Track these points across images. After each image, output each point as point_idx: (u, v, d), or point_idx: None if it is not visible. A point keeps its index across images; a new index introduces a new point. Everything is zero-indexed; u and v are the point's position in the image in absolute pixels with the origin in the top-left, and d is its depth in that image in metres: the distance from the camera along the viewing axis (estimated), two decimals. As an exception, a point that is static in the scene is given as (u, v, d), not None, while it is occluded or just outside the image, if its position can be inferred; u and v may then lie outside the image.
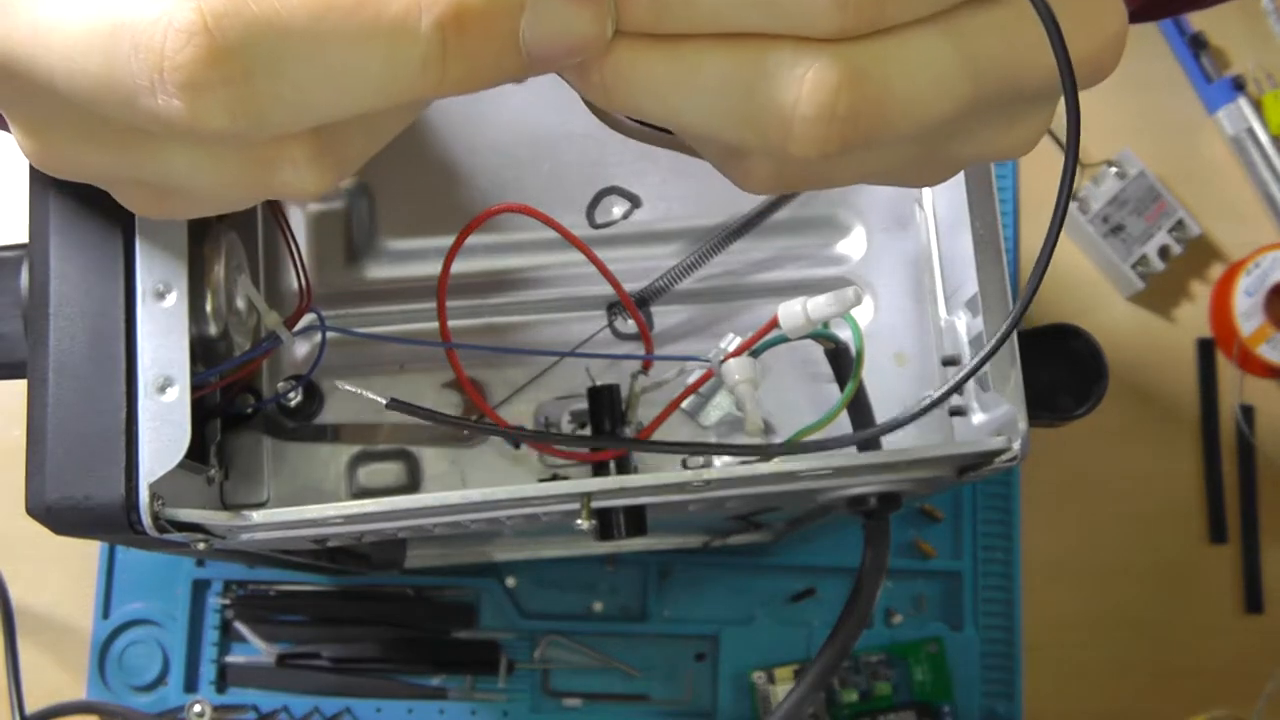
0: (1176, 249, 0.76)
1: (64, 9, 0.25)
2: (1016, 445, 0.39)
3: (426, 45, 0.24)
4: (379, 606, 0.70)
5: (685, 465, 0.41)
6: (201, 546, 0.40)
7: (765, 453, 0.38)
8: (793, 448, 0.38)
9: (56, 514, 0.37)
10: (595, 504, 0.40)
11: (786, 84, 0.25)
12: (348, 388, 0.36)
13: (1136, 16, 0.40)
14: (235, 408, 0.45)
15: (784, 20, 0.25)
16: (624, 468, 0.44)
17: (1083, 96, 0.29)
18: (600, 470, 0.43)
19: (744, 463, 0.42)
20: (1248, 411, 0.76)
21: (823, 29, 0.25)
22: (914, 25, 0.26)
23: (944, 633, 0.71)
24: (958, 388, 0.31)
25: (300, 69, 0.24)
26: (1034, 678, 0.71)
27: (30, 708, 0.62)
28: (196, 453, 0.41)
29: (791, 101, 0.26)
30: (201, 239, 0.40)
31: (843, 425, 0.44)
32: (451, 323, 0.42)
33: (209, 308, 0.40)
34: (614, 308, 0.48)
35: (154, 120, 0.25)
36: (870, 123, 0.26)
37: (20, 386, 0.38)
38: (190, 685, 0.69)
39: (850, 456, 0.42)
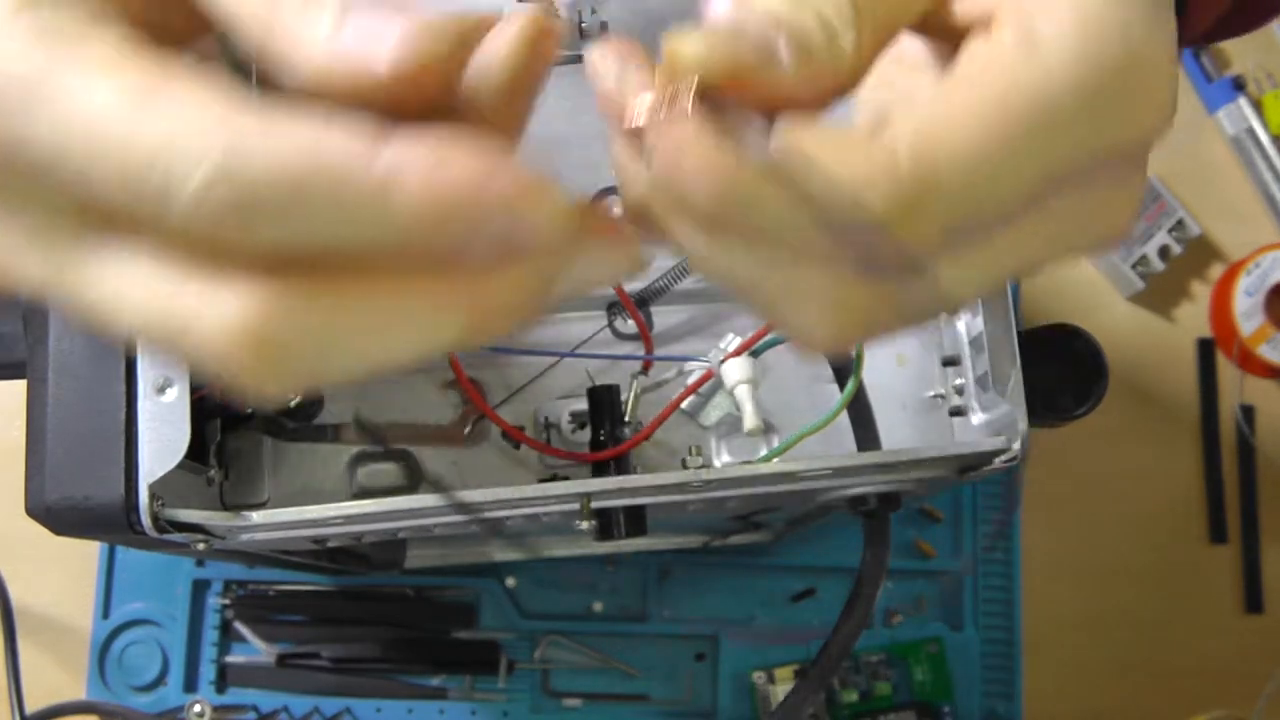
0: (1176, 249, 0.76)
1: None
2: (1016, 445, 0.39)
3: (457, 332, 0.24)
4: (379, 606, 0.70)
5: (685, 465, 0.41)
6: (201, 547, 0.40)
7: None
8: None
9: (56, 514, 0.37)
10: (595, 504, 0.40)
11: (806, 306, 0.26)
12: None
13: (1208, 38, 0.40)
14: (235, 408, 0.45)
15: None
16: (624, 468, 0.44)
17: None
18: (600, 470, 0.43)
19: (744, 462, 0.42)
20: (1248, 411, 0.76)
21: (867, 264, 0.25)
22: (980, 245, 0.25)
23: (944, 633, 0.71)
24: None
25: (340, 357, 0.24)
26: (1034, 678, 0.71)
27: (30, 708, 0.62)
28: (196, 453, 0.41)
29: (805, 320, 0.26)
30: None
31: (843, 426, 0.44)
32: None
33: (209, 308, 0.40)
34: (614, 308, 0.48)
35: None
36: (885, 333, 0.26)
37: (20, 386, 0.38)
38: (190, 685, 0.69)
39: (850, 457, 0.42)
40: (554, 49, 0.25)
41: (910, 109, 0.24)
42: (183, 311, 0.23)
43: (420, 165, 0.22)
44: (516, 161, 0.23)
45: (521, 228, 0.23)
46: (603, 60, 0.27)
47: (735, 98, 0.25)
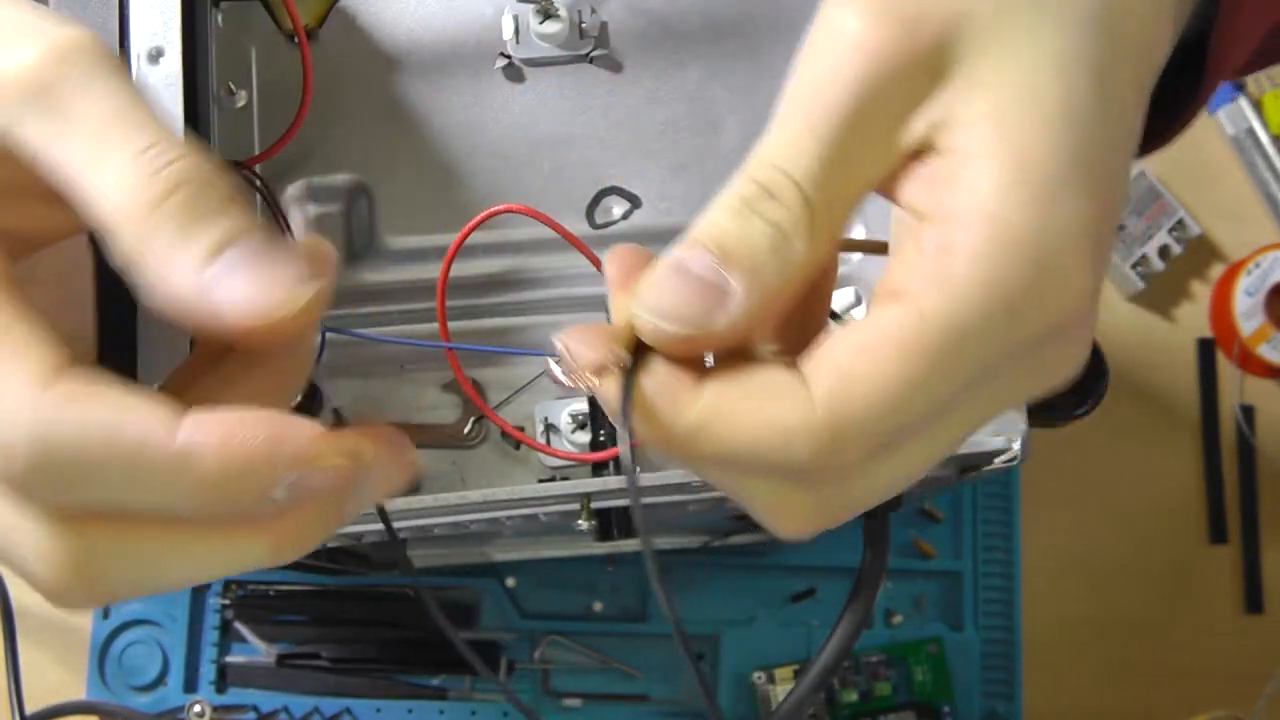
0: (1176, 249, 0.76)
1: None
2: (1016, 445, 0.39)
3: (261, 557, 0.28)
4: (379, 606, 0.70)
5: (685, 465, 0.41)
6: (201, 547, 0.40)
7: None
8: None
9: (56, 514, 0.37)
10: (595, 504, 0.40)
11: (767, 509, 0.29)
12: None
13: (1244, 70, 0.40)
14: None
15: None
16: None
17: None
18: (600, 470, 0.43)
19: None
20: (1248, 411, 0.76)
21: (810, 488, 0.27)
22: (902, 448, 0.27)
23: (944, 633, 0.71)
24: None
25: (151, 582, 0.28)
26: (1034, 678, 0.71)
27: (30, 708, 0.62)
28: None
29: (769, 523, 0.29)
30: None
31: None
32: (451, 323, 0.43)
33: (209, 308, 0.40)
34: (614, 308, 0.47)
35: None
36: (842, 520, 0.28)
37: (20, 387, 0.38)
38: (190, 685, 0.69)
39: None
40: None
41: (829, 355, 0.26)
42: (12, 539, 0.26)
43: (213, 438, 0.25)
44: (300, 422, 0.26)
45: (311, 476, 0.26)
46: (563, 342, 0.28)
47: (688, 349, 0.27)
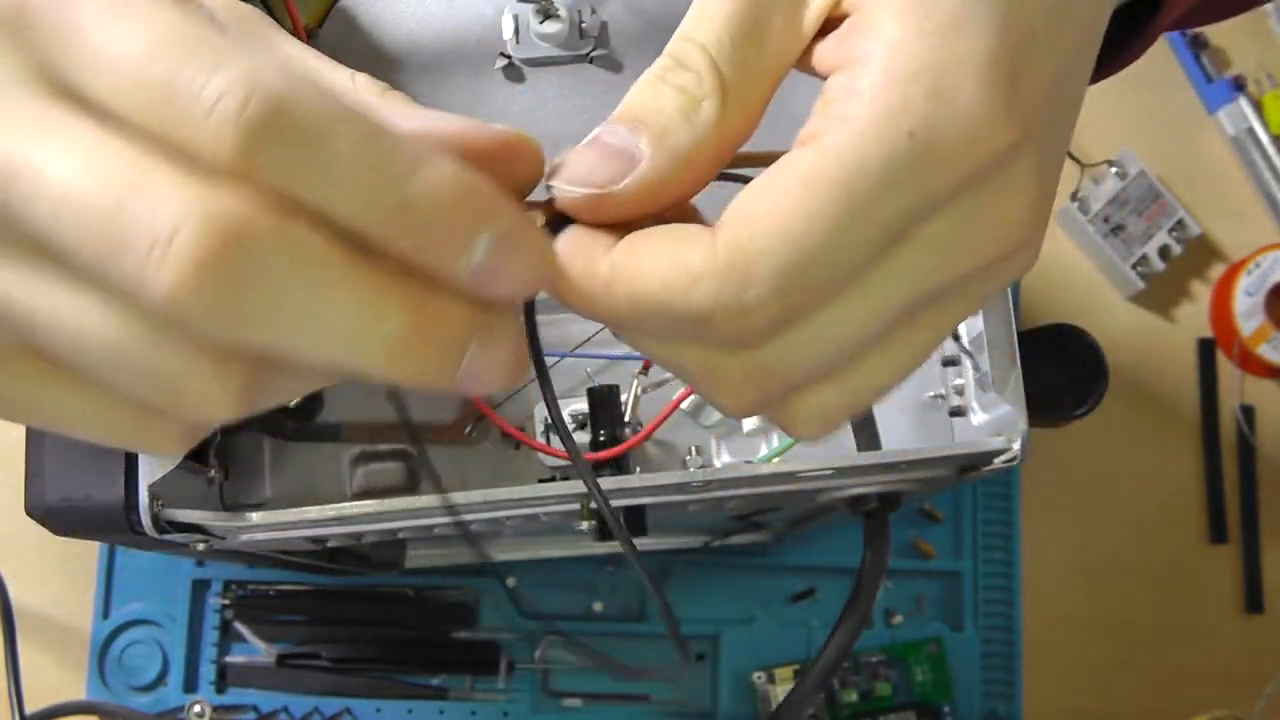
0: (1177, 249, 0.76)
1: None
2: (1016, 445, 0.39)
3: (395, 329, 0.24)
4: (379, 606, 0.70)
5: (685, 465, 0.41)
6: (201, 547, 0.40)
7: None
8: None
9: (56, 514, 0.37)
10: (595, 504, 0.40)
11: (701, 377, 0.28)
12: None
13: (1180, 24, 0.40)
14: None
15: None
16: (624, 468, 0.44)
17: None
18: (600, 470, 0.43)
19: (744, 462, 0.42)
20: (1248, 411, 0.76)
21: (732, 345, 0.26)
22: (825, 304, 0.26)
23: (944, 633, 0.71)
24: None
25: (285, 314, 0.23)
26: (1034, 678, 0.71)
27: (30, 708, 0.62)
28: (196, 453, 0.41)
29: (706, 393, 0.28)
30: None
31: (843, 425, 0.44)
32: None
33: (209, 308, 0.40)
34: (614, 308, 0.47)
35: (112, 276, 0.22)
36: (783, 390, 0.28)
37: (20, 387, 0.38)
38: (190, 685, 0.69)
39: (850, 457, 0.42)
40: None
41: (734, 203, 0.26)
42: (151, 190, 0.22)
43: (455, 135, 0.24)
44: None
45: (516, 254, 0.24)
46: None
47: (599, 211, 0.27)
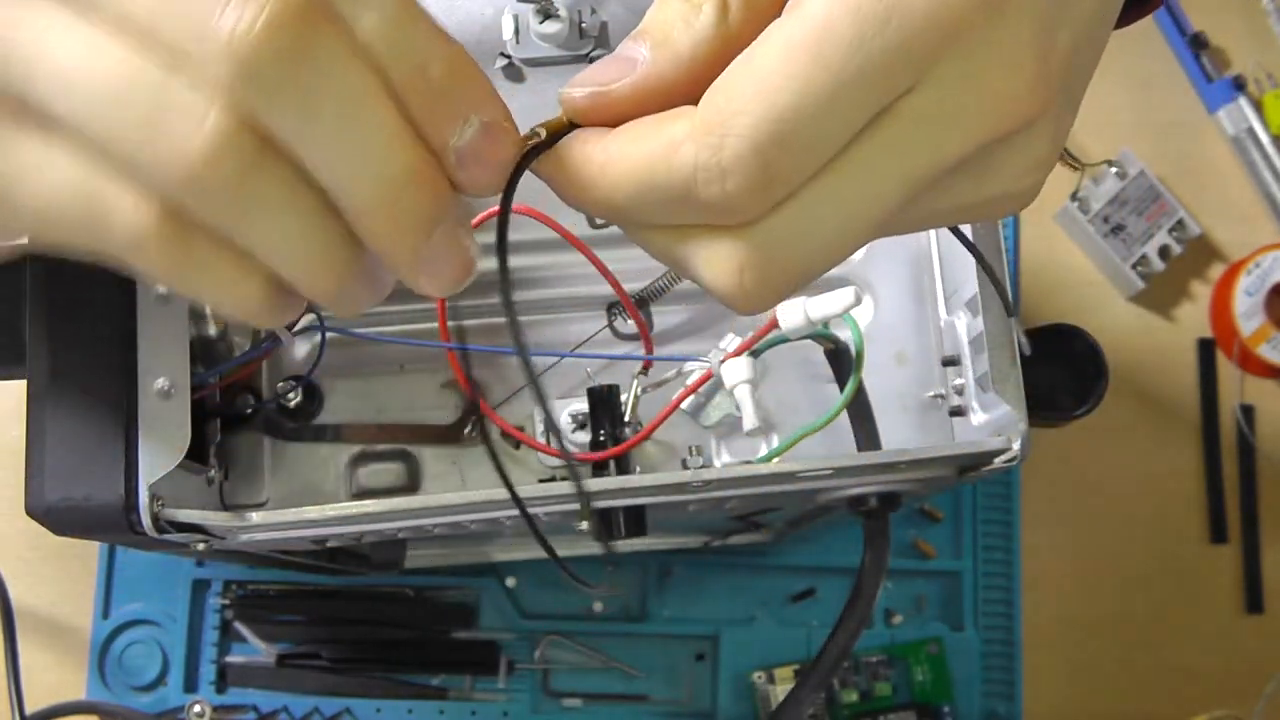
0: (1177, 249, 0.76)
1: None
2: (1016, 445, 0.39)
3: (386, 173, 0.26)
4: (379, 606, 0.70)
5: (685, 465, 0.41)
6: (201, 547, 0.40)
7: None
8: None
9: (56, 514, 0.37)
10: (595, 504, 0.40)
11: (702, 264, 0.28)
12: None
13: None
14: (235, 408, 0.45)
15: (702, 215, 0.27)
16: (624, 468, 0.44)
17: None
18: (600, 470, 0.43)
19: (744, 462, 0.42)
20: (1248, 411, 0.76)
21: (723, 218, 0.27)
22: (815, 179, 0.27)
23: (944, 633, 0.71)
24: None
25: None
26: (1034, 678, 0.71)
27: (30, 708, 0.61)
28: (196, 453, 0.41)
29: (709, 282, 0.28)
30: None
31: (843, 426, 0.44)
32: (451, 323, 0.43)
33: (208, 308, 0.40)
34: (614, 308, 0.48)
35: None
36: (786, 280, 0.28)
37: (20, 386, 0.38)
38: (190, 685, 0.69)
39: (850, 457, 0.42)
40: None
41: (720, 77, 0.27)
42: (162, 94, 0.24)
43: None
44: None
45: (495, 143, 0.27)
46: None
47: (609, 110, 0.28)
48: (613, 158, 0.27)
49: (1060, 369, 0.44)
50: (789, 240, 0.27)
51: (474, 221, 0.41)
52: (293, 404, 0.45)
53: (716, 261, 0.28)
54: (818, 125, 0.26)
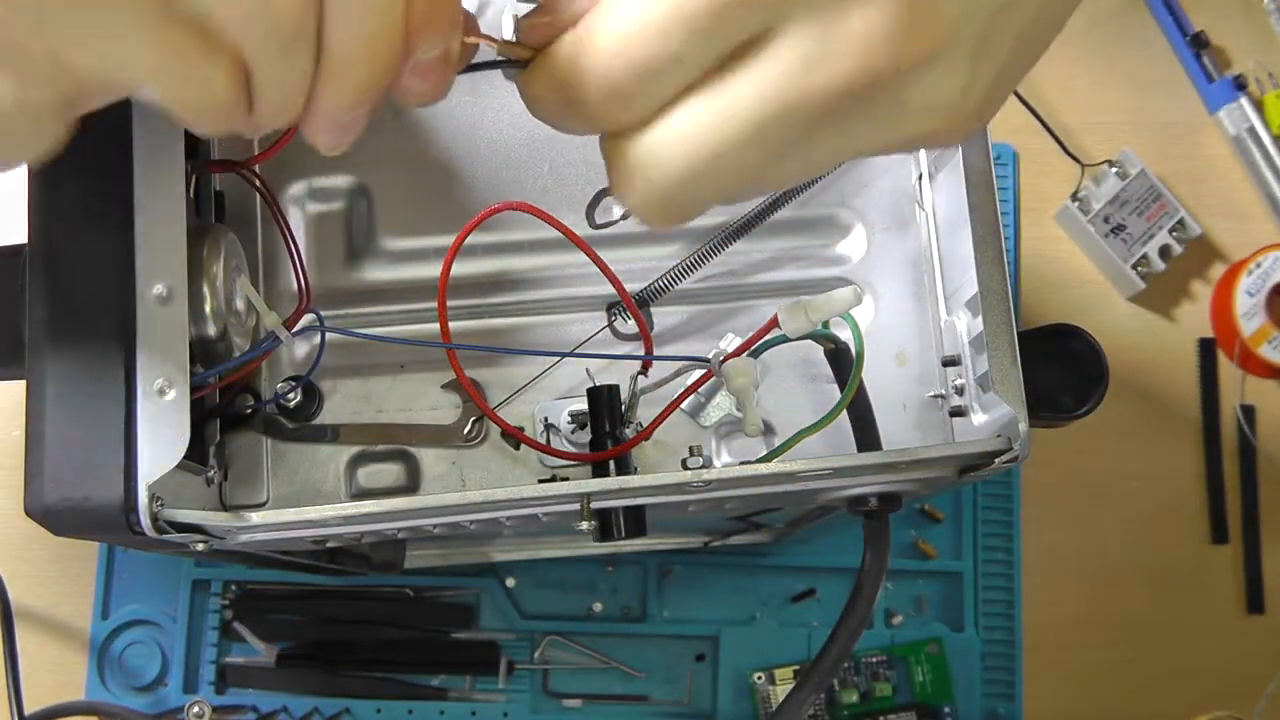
0: (1177, 249, 0.76)
1: None
2: (1017, 445, 0.39)
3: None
4: (379, 606, 0.70)
5: (685, 465, 0.41)
6: (200, 547, 0.40)
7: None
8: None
9: (56, 515, 0.37)
10: (595, 504, 0.40)
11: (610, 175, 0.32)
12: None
13: None
14: (234, 408, 0.45)
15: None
16: (624, 468, 0.44)
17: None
18: (600, 470, 0.43)
19: (744, 462, 0.42)
20: (1249, 411, 0.76)
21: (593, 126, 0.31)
22: (680, 100, 0.30)
23: (944, 633, 0.71)
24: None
25: None
26: (1034, 678, 0.71)
27: (30, 708, 0.62)
28: (195, 453, 0.41)
29: (615, 189, 0.32)
30: (201, 240, 0.40)
31: (843, 426, 0.44)
32: (452, 323, 0.42)
33: (208, 308, 0.40)
34: (614, 308, 0.48)
35: None
36: (668, 191, 0.31)
37: (20, 386, 0.38)
38: (190, 686, 0.69)
39: (850, 457, 0.41)
40: None
41: None
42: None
43: None
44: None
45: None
46: None
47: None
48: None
49: (1060, 369, 0.44)
50: (668, 150, 0.30)
51: (473, 222, 0.41)
52: (292, 404, 0.45)
53: (613, 163, 0.31)
54: (666, 48, 0.28)
